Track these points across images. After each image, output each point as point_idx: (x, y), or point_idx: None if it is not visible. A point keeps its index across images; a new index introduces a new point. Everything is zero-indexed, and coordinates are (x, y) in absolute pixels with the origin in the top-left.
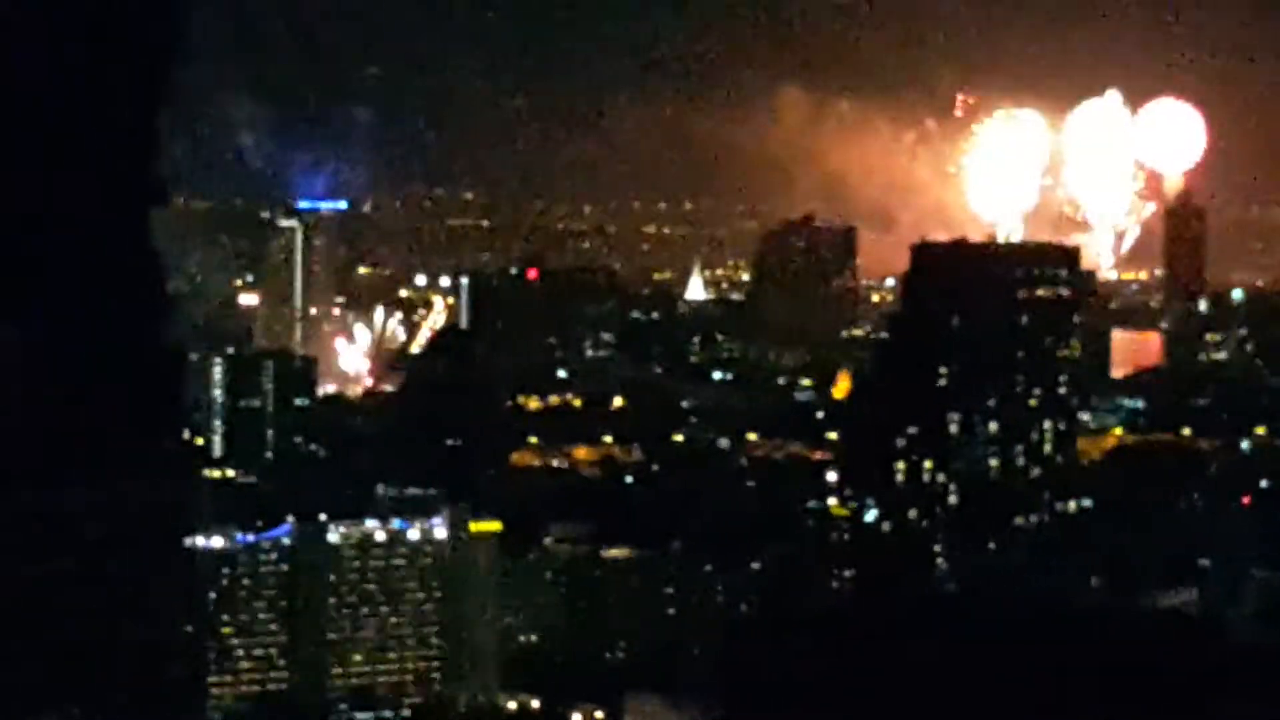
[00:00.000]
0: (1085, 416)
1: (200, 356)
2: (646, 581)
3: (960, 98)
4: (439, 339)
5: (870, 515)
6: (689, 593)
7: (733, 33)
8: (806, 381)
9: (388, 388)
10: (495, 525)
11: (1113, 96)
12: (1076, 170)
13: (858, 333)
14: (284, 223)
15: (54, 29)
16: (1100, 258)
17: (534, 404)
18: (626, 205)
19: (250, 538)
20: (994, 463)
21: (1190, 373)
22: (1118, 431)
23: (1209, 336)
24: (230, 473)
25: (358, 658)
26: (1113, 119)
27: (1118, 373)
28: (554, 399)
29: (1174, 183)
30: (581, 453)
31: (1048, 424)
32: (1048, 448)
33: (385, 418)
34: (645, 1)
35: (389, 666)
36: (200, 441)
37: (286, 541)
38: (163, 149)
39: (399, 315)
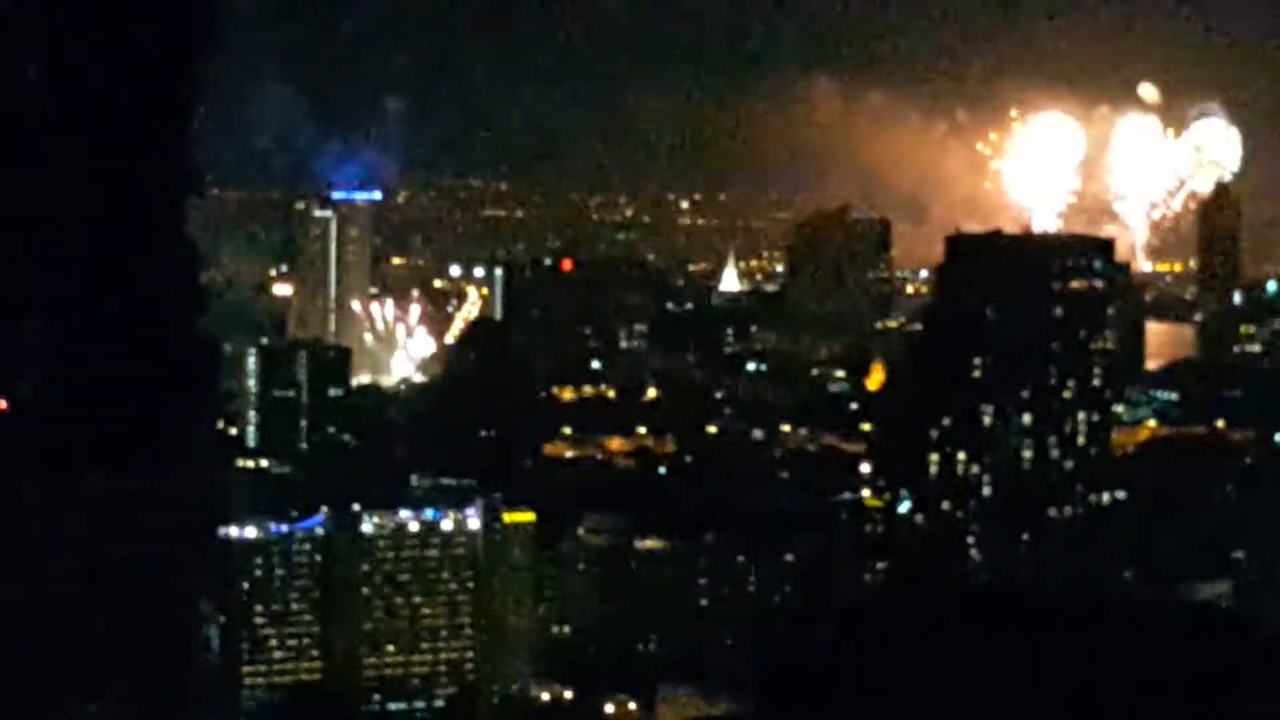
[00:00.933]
0: (1119, 408)
1: (234, 347)
2: (680, 572)
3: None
4: (473, 330)
5: (904, 507)
6: (722, 584)
7: (767, 25)
8: (840, 373)
9: (421, 378)
10: (529, 516)
11: (1147, 90)
12: (1111, 162)
13: (892, 324)
14: (318, 213)
15: (92, 19)
16: (1135, 250)
17: (568, 395)
18: (661, 196)
19: (284, 528)
20: (1028, 454)
21: (1224, 364)
22: (1151, 423)
23: (1243, 329)
24: (264, 463)
25: (391, 648)
26: (1148, 113)
27: (1152, 364)
28: (588, 390)
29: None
30: (615, 444)
31: (1081, 416)
32: (1081, 439)
33: (419, 408)
34: None
35: (422, 656)
36: (234, 431)
37: (320, 531)
38: (198, 139)
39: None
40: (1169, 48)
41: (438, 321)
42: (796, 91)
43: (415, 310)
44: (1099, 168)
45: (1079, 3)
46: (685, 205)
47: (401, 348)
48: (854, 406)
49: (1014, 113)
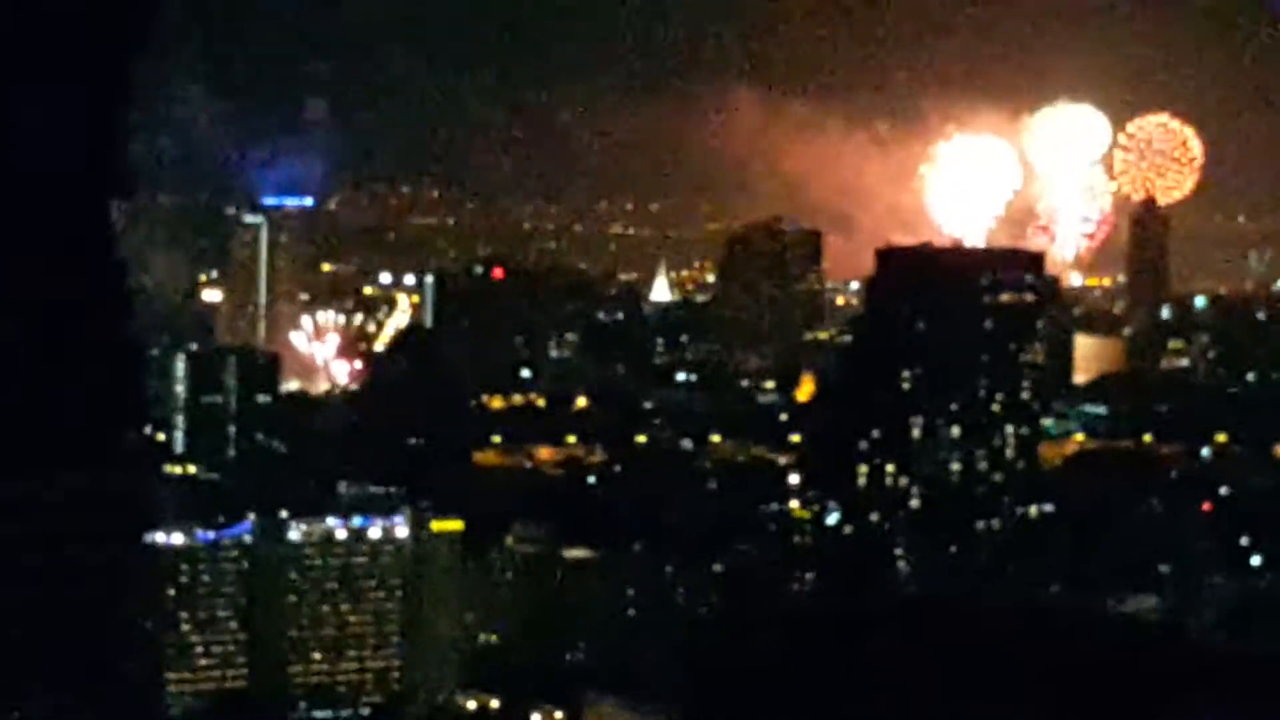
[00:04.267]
0: (1047, 422)
1: (163, 352)
2: (607, 582)
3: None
4: (403, 337)
5: (832, 518)
6: (650, 593)
7: (692, 35)
8: (770, 384)
9: (351, 385)
10: (457, 524)
11: (1078, 105)
12: (1041, 175)
13: (822, 335)
14: (249, 219)
15: (22, 20)
16: (1064, 263)
17: (497, 403)
18: (593, 206)
19: (211, 534)
20: (956, 467)
21: (1152, 379)
22: (1079, 437)
23: (1171, 343)
24: (192, 469)
25: (317, 655)
26: (1078, 125)
27: (1080, 378)
28: (518, 398)
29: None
30: (544, 453)
31: (1010, 429)
32: (1010, 452)
33: (348, 415)
34: (610, 6)
35: (349, 664)
36: (162, 437)
37: (247, 539)
38: (129, 143)
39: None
40: (1094, 58)
41: (368, 329)
42: (721, 102)
43: (343, 318)
44: (1027, 180)
45: (1004, 13)
46: (617, 215)
47: (330, 355)
48: (784, 417)
49: (940, 124)
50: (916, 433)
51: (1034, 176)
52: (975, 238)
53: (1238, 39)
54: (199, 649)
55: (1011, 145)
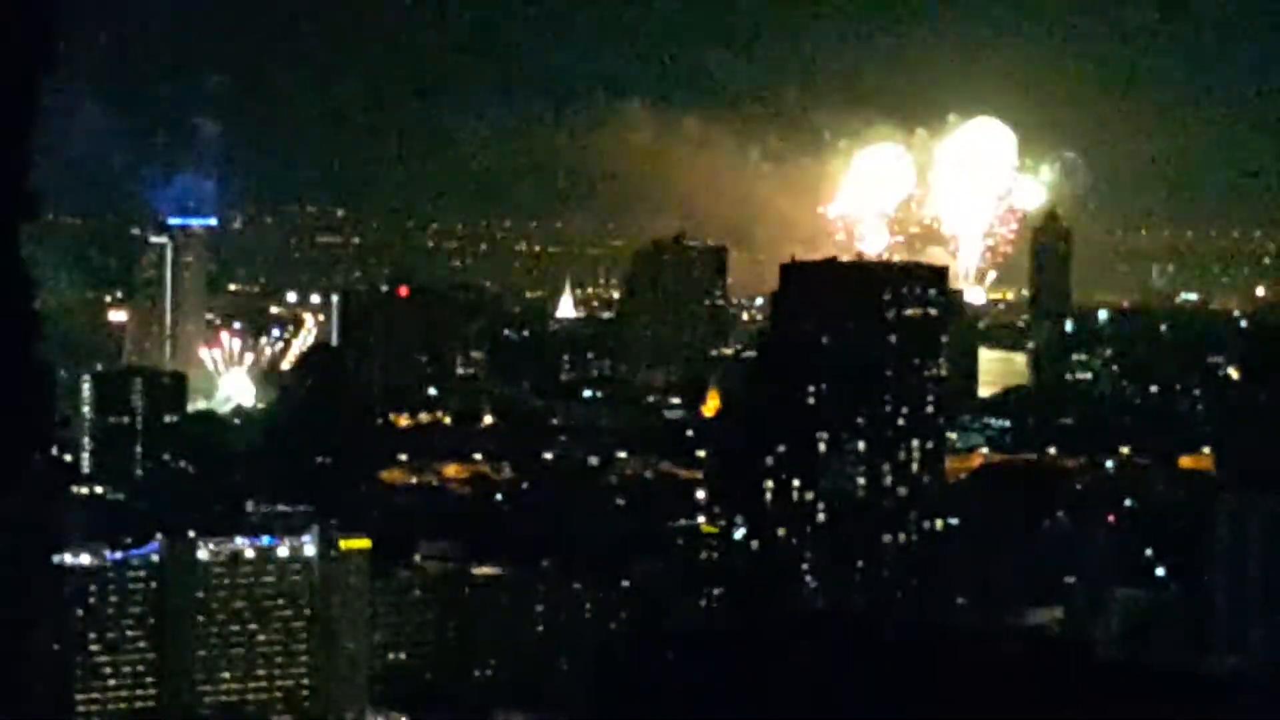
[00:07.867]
0: (952, 435)
1: (69, 373)
2: (516, 599)
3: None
4: (309, 356)
5: (739, 533)
6: (558, 610)
7: (595, 55)
8: (676, 400)
9: (258, 404)
10: (365, 542)
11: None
12: (942, 188)
13: (727, 351)
14: (154, 239)
15: None
16: (967, 276)
17: (404, 421)
18: (497, 224)
19: (119, 555)
20: (862, 481)
21: (1056, 392)
22: (984, 450)
23: (1074, 356)
24: (99, 489)
25: (226, 675)
26: (978, 140)
27: (984, 392)
28: (424, 416)
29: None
30: (451, 470)
31: (915, 443)
32: (915, 466)
33: (255, 434)
34: (509, 27)
35: (258, 684)
36: (69, 458)
37: (155, 559)
38: (33, 163)
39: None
40: (989, 74)
41: (272, 348)
42: (619, 120)
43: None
44: (930, 193)
45: (895, 28)
46: (521, 232)
47: (237, 373)
48: (690, 433)
49: (833, 139)
50: (822, 447)
51: (933, 191)
52: (876, 252)
53: (1137, 55)
54: (107, 670)
55: (913, 158)
